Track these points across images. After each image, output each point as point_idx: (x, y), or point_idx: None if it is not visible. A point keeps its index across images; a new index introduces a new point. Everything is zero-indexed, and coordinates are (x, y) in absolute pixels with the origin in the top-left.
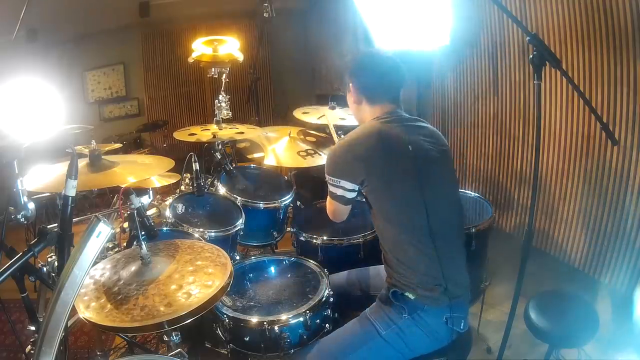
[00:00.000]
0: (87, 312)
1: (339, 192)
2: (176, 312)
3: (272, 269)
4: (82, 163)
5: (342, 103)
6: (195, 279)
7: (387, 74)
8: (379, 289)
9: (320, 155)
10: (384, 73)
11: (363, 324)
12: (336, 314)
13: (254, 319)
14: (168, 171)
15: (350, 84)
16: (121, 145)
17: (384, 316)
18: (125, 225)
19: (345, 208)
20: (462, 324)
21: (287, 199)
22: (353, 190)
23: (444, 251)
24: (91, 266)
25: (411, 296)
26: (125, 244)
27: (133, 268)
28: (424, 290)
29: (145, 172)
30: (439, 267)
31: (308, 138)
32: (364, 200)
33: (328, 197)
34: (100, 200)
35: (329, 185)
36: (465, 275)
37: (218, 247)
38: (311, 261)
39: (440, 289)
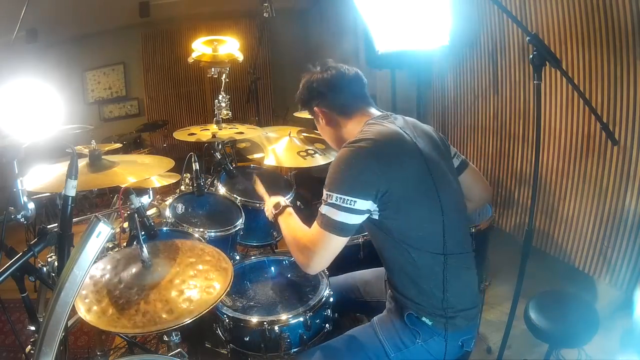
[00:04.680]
0: (89, 316)
1: (347, 217)
2: (178, 320)
3: (272, 269)
4: (82, 163)
5: None
6: (197, 284)
7: (350, 81)
8: (378, 293)
9: (320, 155)
10: (344, 80)
11: (371, 340)
12: (336, 314)
13: (254, 319)
14: (168, 171)
15: (317, 109)
16: (121, 145)
17: (395, 337)
18: (125, 225)
19: (343, 242)
20: (472, 343)
21: (287, 199)
22: (367, 212)
23: (456, 271)
24: (91, 266)
25: (428, 322)
26: (125, 244)
27: (134, 270)
28: (442, 317)
29: (145, 172)
30: (455, 290)
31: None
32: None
33: (317, 229)
34: (100, 200)
35: (330, 209)
36: (478, 293)
37: (219, 250)
38: None
39: (459, 314)
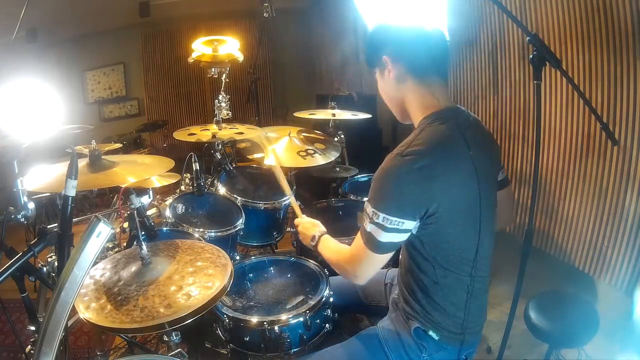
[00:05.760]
0: (87, 313)
1: (392, 237)
2: (176, 314)
3: (272, 269)
4: (82, 163)
5: (342, 103)
6: (195, 280)
7: (434, 41)
8: (377, 297)
9: (320, 155)
10: (430, 40)
11: (375, 350)
12: (336, 314)
13: (254, 319)
14: (168, 171)
15: (387, 57)
16: (121, 145)
17: (401, 349)
18: (125, 225)
19: (387, 258)
20: (473, 355)
21: (287, 199)
22: (410, 231)
23: (478, 293)
24: (91, 266)
25: (435, 336)
26: (125, 244)
27: (133, 268)
28: (450, 332)
29: (145, 172)
30: (474, 310)
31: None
32: (364, 200)
33: (361, 245)
34: (100, 200)
35: (375, 228)
36: (487, 311)
37: (218, 248)
38: (311, 261)
39: (469, 330)
